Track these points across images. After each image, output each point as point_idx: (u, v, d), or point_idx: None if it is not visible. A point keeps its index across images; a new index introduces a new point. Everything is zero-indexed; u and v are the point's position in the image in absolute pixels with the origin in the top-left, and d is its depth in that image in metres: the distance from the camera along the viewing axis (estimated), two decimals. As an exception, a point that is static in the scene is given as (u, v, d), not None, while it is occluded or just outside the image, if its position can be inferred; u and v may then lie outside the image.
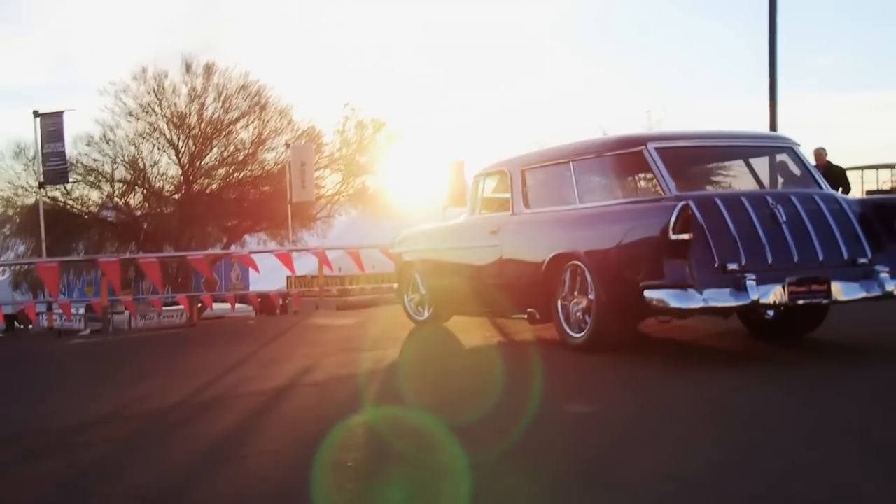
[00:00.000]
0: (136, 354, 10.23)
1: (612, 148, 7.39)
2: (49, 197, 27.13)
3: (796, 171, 7.48)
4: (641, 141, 7.15)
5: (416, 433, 4.99)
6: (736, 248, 6.44)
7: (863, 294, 6.54)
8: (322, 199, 30.68)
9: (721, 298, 6.29)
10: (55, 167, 18.51)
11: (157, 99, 27.78)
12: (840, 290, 6.49)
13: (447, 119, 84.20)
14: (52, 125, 18.29)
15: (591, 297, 6.96)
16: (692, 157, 7.78)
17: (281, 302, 25.59)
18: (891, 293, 6.51)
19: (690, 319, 8.49)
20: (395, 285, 10.67)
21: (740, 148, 7.68)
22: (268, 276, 22.07)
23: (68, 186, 27.55)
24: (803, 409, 5.02)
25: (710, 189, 7.94)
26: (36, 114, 18.10)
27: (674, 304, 6.27)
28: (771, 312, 7.55)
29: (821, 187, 7.24)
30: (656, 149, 7.06)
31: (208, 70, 28.29)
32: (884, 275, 6.53)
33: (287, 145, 26.18)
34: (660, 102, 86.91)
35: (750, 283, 6.26)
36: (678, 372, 6.39)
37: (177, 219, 28.23)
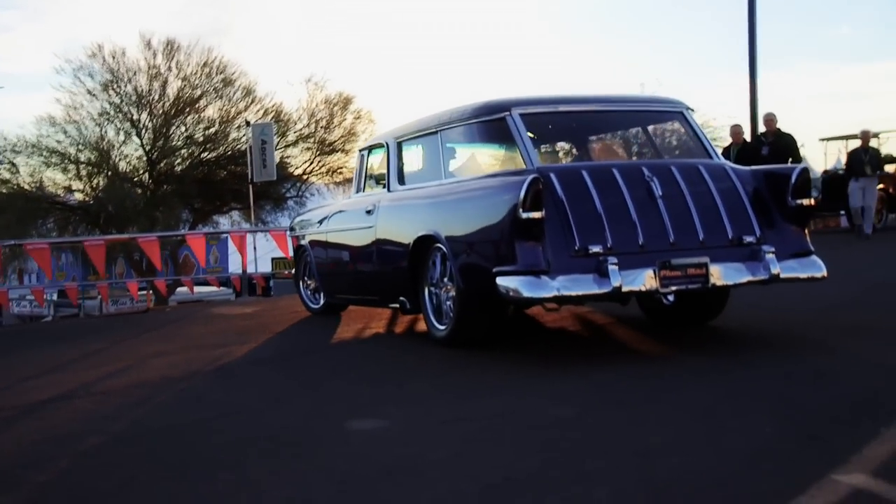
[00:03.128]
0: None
1: (476, 115, 6.51)
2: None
3: (686, 139, 6.60)
4: (506, 106, 6.27)
5: (120, 465, 4.12)
6: (601, 227, 5.60)
7: (747, 278, 5.68)
8: (292, 178, 29.82)
9: (578, 286, 5.44)
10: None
11: (115, 77, 26.89)
12: (720, 274, 5.63)
13: (422, 97, 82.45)
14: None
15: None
16: (566, 126, 6.92)
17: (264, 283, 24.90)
18: (777, 276, 5.66)
19: (592, 305, 7.69)
20: (292, 271, 9.91)
21: (623, 114, 6.79)
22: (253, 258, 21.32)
23: (21, 169, 26.80)
24: (624, 428, 4.15)
25: (583, 162, 7.05)
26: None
27: (525, 292, 5.41)
28: (671, 298, 6.70)
29: (711, 157, 6.37)
30: (521, 115, 6.20)
31: (170, 46, 27.44)
32: (770, 255, 5.67)
33: (247, 123, 25.34)
34: (653, 76, 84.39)
35: (612, 267, 5.41)
36: (525, 374, 5.52)
37: (142, 201, 27.38)
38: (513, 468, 3.61)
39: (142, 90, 27.43)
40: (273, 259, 25.50)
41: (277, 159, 27.45)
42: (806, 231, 6.00)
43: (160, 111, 27.55)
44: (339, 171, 30.19)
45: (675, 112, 6.65)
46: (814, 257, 5.89)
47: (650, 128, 6.87)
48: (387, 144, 7.64)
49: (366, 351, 6.95)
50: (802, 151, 16.14)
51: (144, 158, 27.93)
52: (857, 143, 17.32)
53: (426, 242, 6.48)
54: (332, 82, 45.67)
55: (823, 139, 24.23)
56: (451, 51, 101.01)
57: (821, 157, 24.90)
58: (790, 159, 13.38)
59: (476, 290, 5.94)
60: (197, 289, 25.93)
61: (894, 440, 3.62)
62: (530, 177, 5.44)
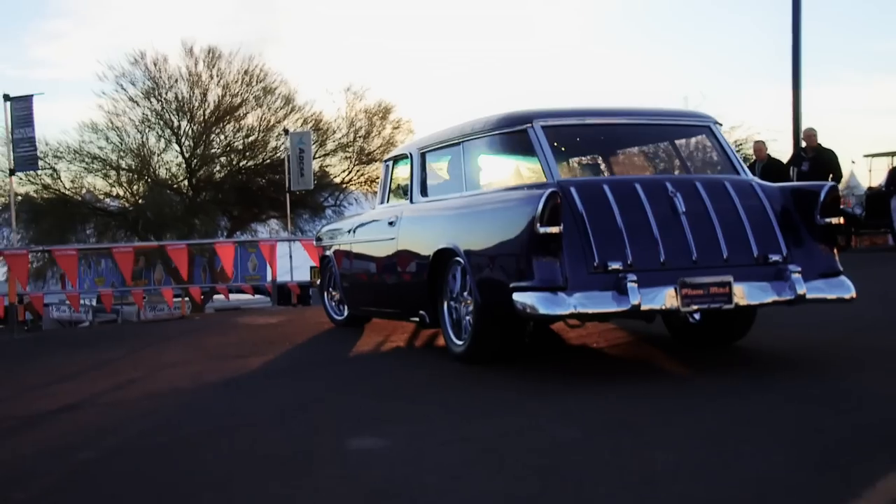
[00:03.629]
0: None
1: (498, 126, 6.39)
2: (41, 184, 26.62)
3: (713, 154, 6.43)
4: (528, 118, 6.14)
5: (107, 483, 4.01)
6: (621, 243, 5.45)
7: (772, 298, 5.49)
8: (330, 187, 29.82)
9: (596, 303, 5.29)
10: (25, 153, 17.80)
11: (156, 84, 27.08)
12: (744, 294, 5.45)
13: (462, 106, 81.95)
14: (21, 109, 17.60)
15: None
16: (590, 139, 6.76)
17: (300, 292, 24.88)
18: (803, 297, 5.46)
19: (617, 322, 7.52)
20: (318, 281, 9.82)
21: (648, 127, 6.61)
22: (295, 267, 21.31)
23: (63, 174, 27.01)
24: (631, 452, 3.98)
25: (605, 175, 6.89)
26: (6, 97, 17.42)
27: (542, 309, 5.27)
28: (697, 316, 6.52)
29: (738, 173, 6.19)
30: (543, 127, 6.07)
31: (211, 54, 27.59)
32: (796, 275, 5.48)
33: (286, 132, 25.39)
34: (697, 89, 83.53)
35: (630, 284, 5.25)
36: (537, 393, 5.38)
37: (181, 208, 27.54)
38: (509, 495, 3.47)
39: (182, 98, 27.60)
40: (312, 268, 25.57)
41: (316, 168, 27.53)
42: (835, 250, 5.80)
43: (200, 119, 27.69)
44: (377, 180, 30.13)
45: (703, 126, 6.48)
46: (842, 277, 5.69)
47: (677, 142, 6.70)
48: (410, 155, 7.54)
49: (381, 365, 6.84)
50: (848, 167, 15.75)
51: (184, 166, 28.09)
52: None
53: (446, 256, 6.37)
54: (372, 91, 45.68)
55: (868, 155, 23.81)
56: (494, 58, 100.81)
57: (865, 173, 24.47)
58: (831, 175, 13.10)
59: (494, 305, 5.81)
60: (233, 296, 26.08)
61: None
62: (548, 191, 5.31)
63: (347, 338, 8.16)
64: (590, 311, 5.30)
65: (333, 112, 30.35)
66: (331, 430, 4.69)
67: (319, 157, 28.72)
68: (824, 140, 14.10)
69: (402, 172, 7.82)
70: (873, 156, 23.68)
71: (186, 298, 23.67)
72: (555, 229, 5.28)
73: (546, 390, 5.42)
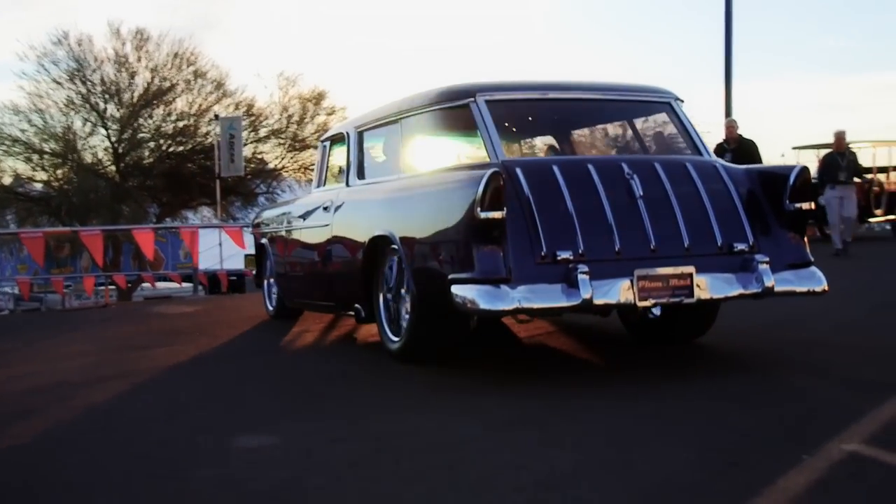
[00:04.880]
0: None
1: (437, 101, 5.80)
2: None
3: (675, 132, 5.92)
4: (470, 92, 5.56)
5: None
6: (572, 230, 4.91)
7: (737, 291, 4.99)
8: (263, 174, 29.03)
9: (543, 297, 4.74)
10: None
11: (81, 66, 25.97)
12: (707, 286, 4.94)
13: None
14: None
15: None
16: (540, 115, 6.23)
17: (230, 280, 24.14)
18: (771, 290, 4.98)
19: (570, 316, 7.00)
20: (254, 271, 9.21)
21: (604, 103, 6.03)
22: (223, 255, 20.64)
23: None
24: (533, 451, 3.70)
25: (555, 156, 6.37)
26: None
27: (482, 304, 4.70)
28: (657, 311, 6.00)
29: (700, 154, 5.70)
30: (487, 102, 5.51)
31: (139, 35, 26.54)
32: (763, 266, 5.00)
33: (216, 117, 24.59)
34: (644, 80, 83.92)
35: (582, 276, 4.71)
36: (454, 388, 5.00)
37: (108, 194, 26.51)
38: (393, 497, 3.20)
39: (109, 80, 26.56)
40: (246, 256, 24.85)
41: (248, 154, 26.77)
42: (805, 239, 5.34)
43: (128, 102, 26.68)
44: (311, 167, 29.40)
45: (663, 103, 5.96)
46: (813, 269, 5.23)
47: (636, 120, 6.18)
48: (347, 134, 6.95)
49: (293, 359, 6.42)
50: (778, 160, 15.34)
51: (111, 150, 27.05)
52: (822, 155, 16.40)
53: (382, 244, 5.80)
54: (305, 77, 44.81)
55: (796, 147, 23.66)
56: (441, 49, 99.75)
57: (794, 166, 24.30)
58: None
59: (431, 299, 5.26)
60: (160, 284, 25.26)
61: (813, 469, 3.29)
62: (490, 171, 4.74)
63: (269, 330, 7.73)
64: (536, 306, 4.75)
65: (266, 98, 29.59)
66: (221, 428, 4.34)
67: (252, 143, 27.92)
68: (752, 134, 13.82)
69: (338, 153, 7.23)
70: (801, 148, 23.50)
71: (111, 287, 22.78)
72: (497, 214, 4.72)
73: (457, 386, 5.04)
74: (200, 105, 27.71)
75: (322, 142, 7.77)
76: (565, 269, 4.77)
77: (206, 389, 5.46)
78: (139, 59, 26.85)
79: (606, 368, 5.56)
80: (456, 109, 5.67)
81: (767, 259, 5.02)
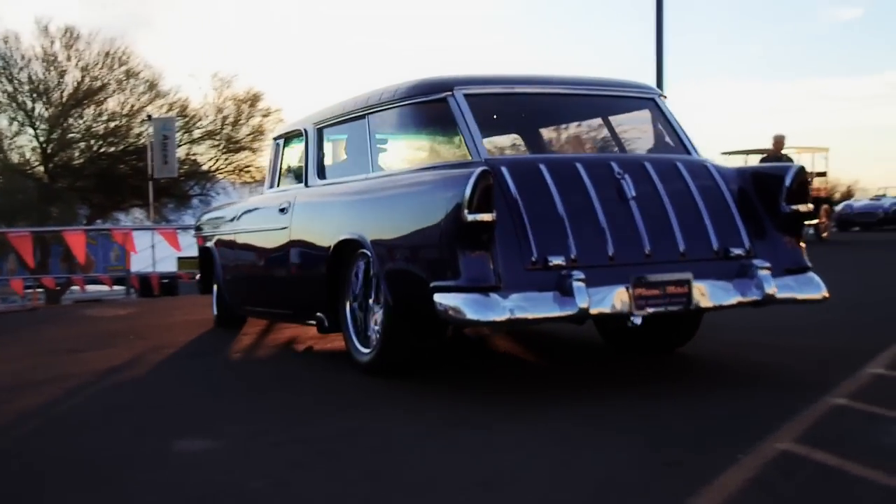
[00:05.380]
0: None
1: (411, 95, 5.41)
2: None
3: (661, 130, 5.62)
4: (448, 85, 5.20)
5: None
6: (563, 234, 4.57)
7: (736, 298, 4.69)
8: (197, 175, 28.40)
9: (536, 306, 4.37)
10: None
11: (7, 64, 25.10)
12: (706, 294, 4.63)
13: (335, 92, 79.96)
14: None
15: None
16: (521, 110, 5.89)
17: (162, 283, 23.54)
18: (772, 297, 4.70)
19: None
20: (198, 276, 8.72)
21: (586, 98, 5.70)
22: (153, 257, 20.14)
23: None
24: (475, 452, 3.68)
25: (540, 154, 6.02)
26: None
27: (471, 314, 4.31)
28: (637, 320, 5.61)
29: (689, 152, 5.41)
30: (466, 96, 5.15)
31: (69, 34, 25.75)
32: (763, 272, 4.72)
33: (149, 117, 23.92)
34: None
35: (577, 283, 4.38)
36: (395, 390, 4.87)
37: (36, 195, 25.68)
38: (335, 498, 3.16)
39: (37, 79, 25.74)
40: (180, 259, 24.21)
41: (182, 156, 26.12)
42: (802, 243, 5.07)
43: (57, 101, 25.87)
44: (246, 169, 28.91)
45: (647, 99, 5.66)
46: (811, 274, 4.95)
47: (618, 116, 5.87)
48: (305, 132, 6.53)
49: (235, 362, 6.29)
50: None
51: (39, 150, 26.20)
52: (759, 159, 16.26)
53: (349, 248, 5.40)
54: (241, 79, 44.13)
55: (725, 153, 23.82)
56: (382, 53, 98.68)
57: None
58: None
59: (408, 307, 4.88)
60: (90, 287, 24.52)
61: (748, 468, 3.31)
62: (479, 170, 4.37)
63: (207, 333, 7.49)
64: (529, 315, 4.37)
65: (201, 99, 29.01)
66: (160, 432, 4.24)
67: (185, 144, 27.27)
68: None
69: (294, 152, 6.81)
70: (729, 153, 23.67)
71: (40, 289, 22.05)
72: (487, 217, 4.35)
73: (401, 388, 4.89)
74: (133, 105, 27.11)
75: (275, 139, 7.33)
76: (557, 275, 4.43)
77: (142, 393, 5.33)
78: (69, 58, 26.21)
79: (554, 373, 5.43)
80: (431, 104, 5.29)
81: (768, 265, 4.74)
